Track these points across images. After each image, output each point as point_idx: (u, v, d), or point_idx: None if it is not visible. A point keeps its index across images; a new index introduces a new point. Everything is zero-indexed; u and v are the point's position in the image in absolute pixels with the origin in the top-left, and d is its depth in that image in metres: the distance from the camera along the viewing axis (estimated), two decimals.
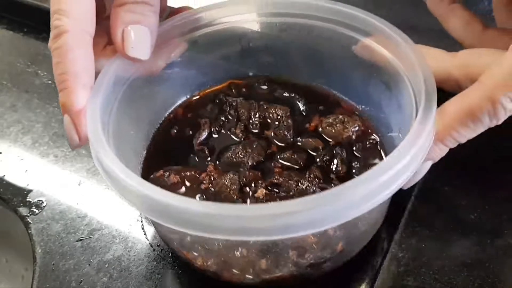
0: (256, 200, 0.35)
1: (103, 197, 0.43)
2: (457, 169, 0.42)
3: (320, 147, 0.38)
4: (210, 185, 0.36)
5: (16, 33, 0.62)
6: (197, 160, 0.38)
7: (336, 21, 0.38)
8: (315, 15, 0.38)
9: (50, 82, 0.55)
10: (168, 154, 0.39)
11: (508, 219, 0.39)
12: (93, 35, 0.32)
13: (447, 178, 0.41)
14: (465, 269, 0.36)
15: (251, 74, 0.44)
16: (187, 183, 0.36)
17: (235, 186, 0.35)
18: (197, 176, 0.37)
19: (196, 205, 0.26)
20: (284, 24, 0.40)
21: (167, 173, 0.36)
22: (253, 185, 0.36)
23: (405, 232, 0.38)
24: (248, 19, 0.41)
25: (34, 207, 0.43)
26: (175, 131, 0.41)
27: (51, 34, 0.31)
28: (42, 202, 0.43)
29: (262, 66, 0.44)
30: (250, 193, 0.35)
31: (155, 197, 0.26)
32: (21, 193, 0.44)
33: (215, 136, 0.40)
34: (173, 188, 0.36)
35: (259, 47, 0.42)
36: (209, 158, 0.38)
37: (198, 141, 0.39)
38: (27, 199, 0.44)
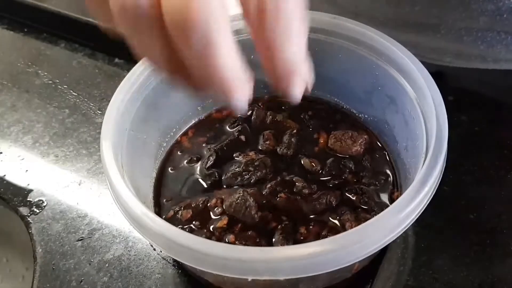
0: (279, 204, 0.36)
1: (104, 197, 0.43)
2: (456, 169, 0.42)
3: (318, 168, 0.39)
4: (224, 208, 0.36)
5: (16, 33, 0.62)
6: (204, 184, 0.39)
7: (335, 33, 0.38)
8: (315, 27, 0.39)
9: (50, 82, 0.55)
10: (176, 179, 0.40)
11: (507, 219, 0.39)
12: None
13: (447, 178, 0.41)
14: (464, 269, 0.36)
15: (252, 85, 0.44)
16: (201, 214, 0.37)
17: (249, 202, 0.36)
18: (207, 204, 0.37)
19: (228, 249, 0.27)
20: None
21: (178, 210, 0.37)
22: (269, 195, 0.37)
23: (405, 231, 0.38)
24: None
25: (34, 206, 0.43)
26: (183, 155, 0.41)
27: None
28: (43, 202, 0.43)
29: (265, 80, 0.44)
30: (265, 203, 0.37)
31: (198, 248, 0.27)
32: (22, 193, 0.44)
33: (220, 159, 0.40)
34: (188, 223, 0.36)
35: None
36: (215, 180, 0.39)
37: (206, 167, 0.39)
38: (28, 199, 0.44)
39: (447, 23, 0.47)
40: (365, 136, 0.40)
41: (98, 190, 0.44)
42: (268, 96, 0.45)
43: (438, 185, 0.30)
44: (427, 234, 0.38)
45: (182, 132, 0.43)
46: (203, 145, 0.41)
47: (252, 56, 0.41)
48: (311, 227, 0.35)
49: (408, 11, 0.47)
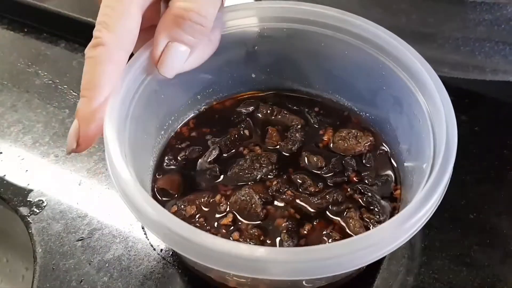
0: (284, 202, 0.36)
1: (104, 197, 0.44)
2: (457, 169, 0.42)
3: (323, 165, 0.38)
4: (228, 205, 0.36)
5: (16, 33, 0.62)
6: (207, 178, 0.38)
7: (343, 29, 0.38)
8: (323, 22, 0.38)
9: (50, 82, 0.55)
10: (178, 173, 0.39)
11: (507, 219, 0.39)
12: (130, 52, 0.32)
13: None
14: (464, 269, 0.36)
15: (253, 76, 0.44)
16: (205, 210, 0.36)
17: (254, 200, 0.36)
18: (212, 199, 0.37)
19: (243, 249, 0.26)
20: (292, 29, 0.39)
21: (182, 206, 0.36)
22: (274, 192, 0.37)
23: None
24: (255, 23, 0.40)
25: (34, 206, 0.43)
26: (184, 148, 0.41)
27: (90, 42, 0.31)
28: (43, 202, 0.43)
29: (267, 71, 0.44)
30: (272, 201, 0.37)
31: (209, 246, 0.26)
32: (22, 193, 0.44)
33: (224, 154, 0.40)
34: (192, 219, 0.36)
35: (264, 51, 0.42)
36: (219, 175, 0.38)
37: (208, 160, 0.39)
38: (28, 199, 0.44)
39: (444, 33, 0.47)
40: (371, 138, 0.40)
41: (98, 190, 0.44)
42: (273, 91, 0.44)
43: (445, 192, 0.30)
44: (427, 234, 0.38)
45: (182, 123, 0.42)
46: (206, 137, 0.41)
47: (256, 47, 0.41)
48: (315, 224, 0.35)
49: (404, 21, 0.47)
